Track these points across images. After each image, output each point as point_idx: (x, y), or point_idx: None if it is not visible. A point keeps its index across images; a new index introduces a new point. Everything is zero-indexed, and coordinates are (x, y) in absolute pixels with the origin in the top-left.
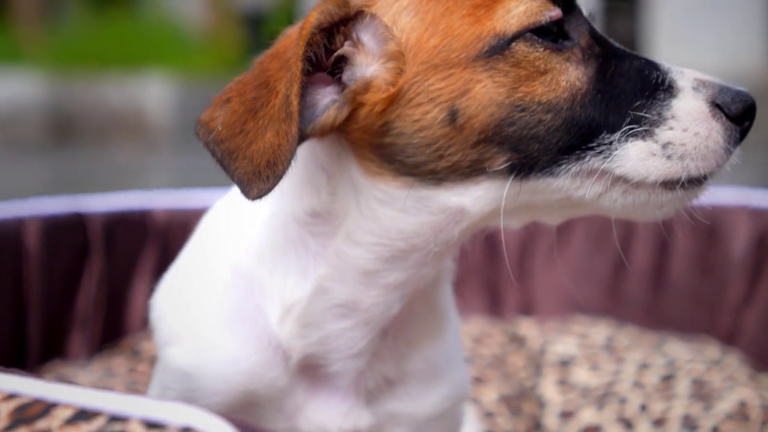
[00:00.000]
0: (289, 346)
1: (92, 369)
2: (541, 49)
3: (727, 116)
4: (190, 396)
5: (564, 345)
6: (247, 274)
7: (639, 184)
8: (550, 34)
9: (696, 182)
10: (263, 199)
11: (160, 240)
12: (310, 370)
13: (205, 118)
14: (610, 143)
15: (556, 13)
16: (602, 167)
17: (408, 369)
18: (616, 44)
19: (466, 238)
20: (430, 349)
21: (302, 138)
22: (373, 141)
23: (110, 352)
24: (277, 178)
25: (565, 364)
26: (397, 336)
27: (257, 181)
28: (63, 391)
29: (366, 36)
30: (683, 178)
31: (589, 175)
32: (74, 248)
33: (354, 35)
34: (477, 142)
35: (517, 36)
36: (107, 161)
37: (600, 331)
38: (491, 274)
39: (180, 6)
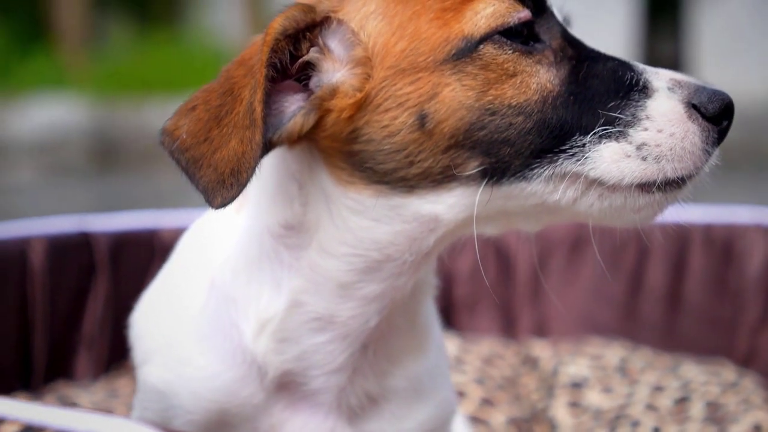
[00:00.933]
0: (265, 362)
1: (95, 390)
2: (510, 51)
3: (704, 116)
4: (166, 415)
5: (577, 366)
6: (223, 290)
7: (614, 187)
8: (519, 36)
9: (674, 185)
10: (227, 207)
11: (167, 260)
12: (290, 388)
13: (170, 127)
14: (583, 145)
15: (524, 14)
16: (575, 170)
17: (391, 386)
18: (590, 46)
19: (443, 248)
20: (413, 366)
21: (270, 146)
22: (343, 148)
23: (116, 373)
24: (241, 186)
25: (577, 386)
26: (377, 351)
27: (221, 189)
28: (12, 407)
29: (333, 42)
30: (659, 180)
31: (562, 178)
32: (80, 268)
33: (320, 41)
34: (448, 147)
35: (485, 38)
36: (151, 186)
37: (614, 352)
38: (505, 293)
39: (221, 26)
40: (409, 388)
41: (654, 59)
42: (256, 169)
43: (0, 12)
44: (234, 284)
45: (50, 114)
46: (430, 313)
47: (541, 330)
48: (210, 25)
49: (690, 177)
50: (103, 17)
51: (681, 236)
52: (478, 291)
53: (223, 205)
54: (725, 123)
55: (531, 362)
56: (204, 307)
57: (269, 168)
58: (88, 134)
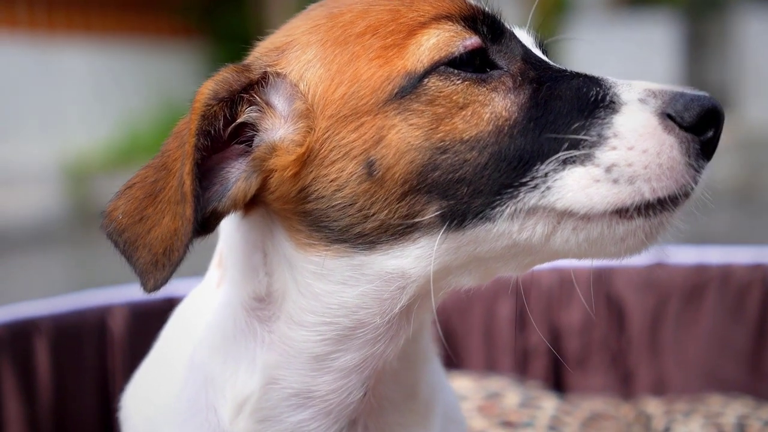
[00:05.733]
0: None
1: None
2: (459, 82)
3: (681, 126)
4: None
5: (687, 427)
6: (201, 369)
7: (587, 217)
8: (471, 65)
9: (658, 207)
10: (159, 290)
11: None
12: None
13: (109, 208)
14: (545, 175)
15: (472, 42)
16: (540, 203)
17: None
18: (557, 66)
19: (423, 309)
20: None
21: (217, 216)
22: (296, 209)
23: None
24: (173, 265)
25: None
26: (369, 427)
27: (154, 270)
28: None
29: (275, 98)
30: (635, 203)
31: (528, 214)
32: None
33: (261, 99)
34: (403, 194)
35: (430, 71)
36: None
37: (734, 410)
38: (618, 347)
39: None
40: None
41: (699, 86)
42: (189, 247)
43: None
44: (211, 362)
45: None
46: (437, 384)
47: (660, 386)
48: None
49: (676, 197)
50: None
51: None
52: (589, 345)
53: (156, 288)
54: (711, 132)
55: (642, 422)
56: (183, 389)
57: (239, 239)
58: None
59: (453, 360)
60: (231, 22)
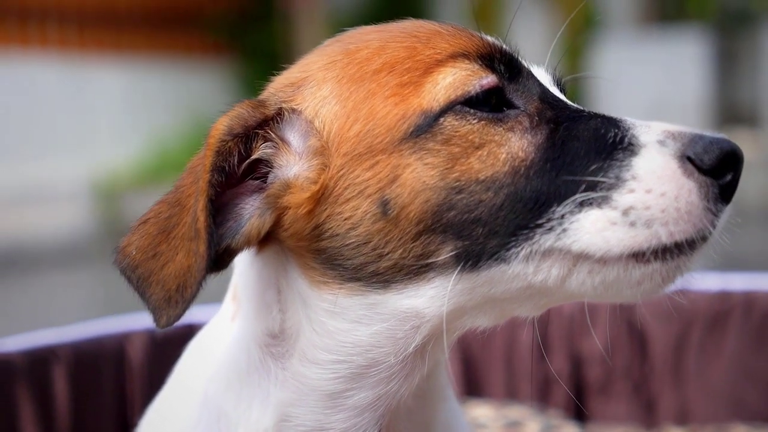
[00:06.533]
0: None
1: None
2: (475, 121)
3: (700, 170)
4: None
5: None
6: (215, 403)
7: (603, 260)
8: (487, 104)
9: (675, 251)
10: (172, 326)
11: None
12: None
13: (123, 244)
14: (562, 216)
15: (488, 81)
16: (555, 245)
17: None
18: (574, 105)
19: (437, 348)
20: None
21: (231, 253)
22: (310, 247)
23: None
24: (186, 302)
25: None
26: None
27: (167, 307)
28: None
29: (290, 134)
30: (652, 247)
31: (543, 256)
32: None
33: (276, 135)
34: (417, 234)
35: (445, 110)
36: None
37: None
38: (640, 375)
39: None
40: None
41: (731, 109)
42: (203, 283)
43: None
44: (225, 398)
45: None
46: (453, 422)
47: (683, 415)
48: None
49: (693, 241)
50: None
51: None
52: (611, 373)
53: (169, 324)
54: (730, 176)
55: None
56: (197, 424)
57: (253, 274)
58: None
59: (473, 388)
60: (260, 40)
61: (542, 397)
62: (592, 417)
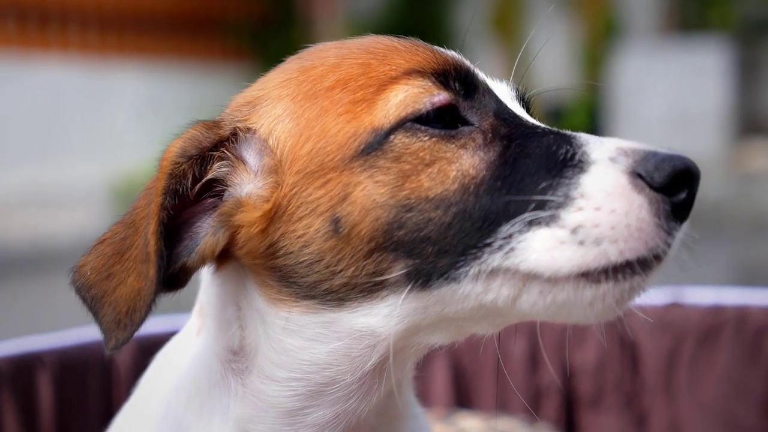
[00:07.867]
0: None
1: None
2: (426, 138)
3: (651, 187)
4: None
5: None
6: (176, 418)
7: (554, 280)
8: (440, 121)
9: (630, 270)
10: (120, 349)
11: None
12: None
13: (80, 263)
14: (510, 236)
15: (440, 98)
16: (503, 265)
17: None
18: (530, 122)
19: (398, 366)
20: None
21: (187, 271)
22: (266, 264)
23: None
24: (135, 326)
25: None
26: None
27: (116, 330)
28: None
29: (247, 153)
30: (601, 266)
31: (491, 275)
32: None
33: (232, 154)
34: (369, 252)
35: (396, 127)
36: None
37: None
38: (632, 389)
39: None
40: None
41: (752, 118)
42: (152, 307)
43: None
44: (186, 412)
45: None
46: None
47: (674, 429)
48: None
49: (646, 260)
50: None
51: None
52: (603, 386)
53: (117, 347)
54: (684, 194)
55: None
56: None
57: (215, 291)
58: None
59: (463, 399)
60: (281, 45)
61: (533, 410)
62: (583, 430)
